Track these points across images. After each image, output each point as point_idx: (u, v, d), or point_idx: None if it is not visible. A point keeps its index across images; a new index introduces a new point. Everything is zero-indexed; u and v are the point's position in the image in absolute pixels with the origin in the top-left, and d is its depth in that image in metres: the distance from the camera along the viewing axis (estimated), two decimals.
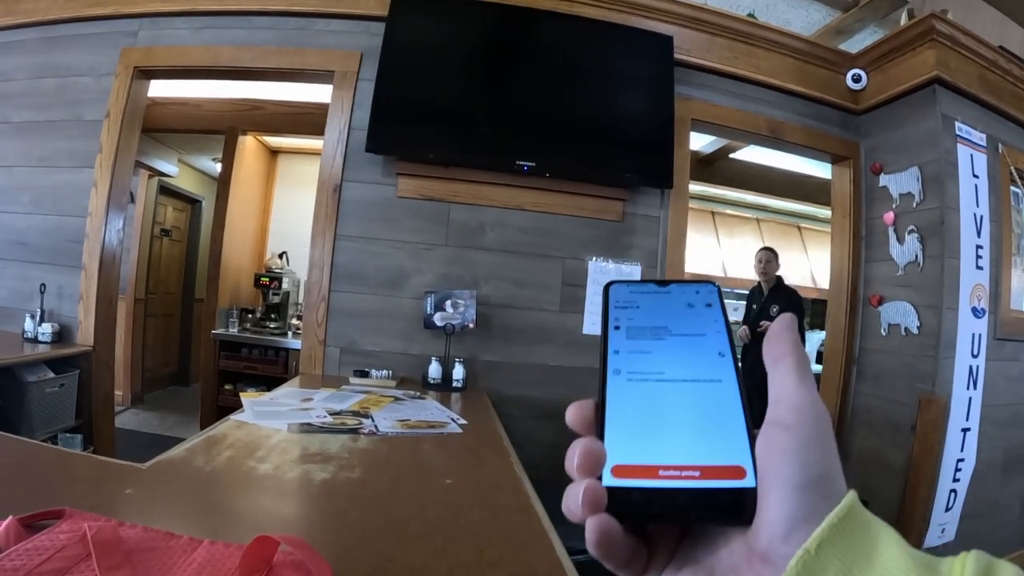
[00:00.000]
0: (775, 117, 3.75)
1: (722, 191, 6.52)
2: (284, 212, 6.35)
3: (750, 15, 3.72)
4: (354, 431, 1.90)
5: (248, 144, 5.71)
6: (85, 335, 3.29)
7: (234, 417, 1.94)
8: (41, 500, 1.00)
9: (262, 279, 5.45)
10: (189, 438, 1.66)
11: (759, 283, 5.27)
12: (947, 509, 3.39)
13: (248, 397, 2.23)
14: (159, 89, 4.83)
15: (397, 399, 2.50)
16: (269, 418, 1.95)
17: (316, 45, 3.33)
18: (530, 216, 3.38)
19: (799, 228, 7.40)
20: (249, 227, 5.99)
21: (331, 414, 2.08)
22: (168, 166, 6.65)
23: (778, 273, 5.21)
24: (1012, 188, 3.76)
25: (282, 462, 1.53)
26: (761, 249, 5.30)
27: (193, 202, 7.81)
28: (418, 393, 2.71)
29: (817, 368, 6.36)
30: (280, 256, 5.78)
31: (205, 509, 1.25)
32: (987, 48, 3.52)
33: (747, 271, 6.58)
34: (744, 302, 6.67)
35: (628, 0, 3.45)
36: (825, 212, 6.88)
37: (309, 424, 1.92)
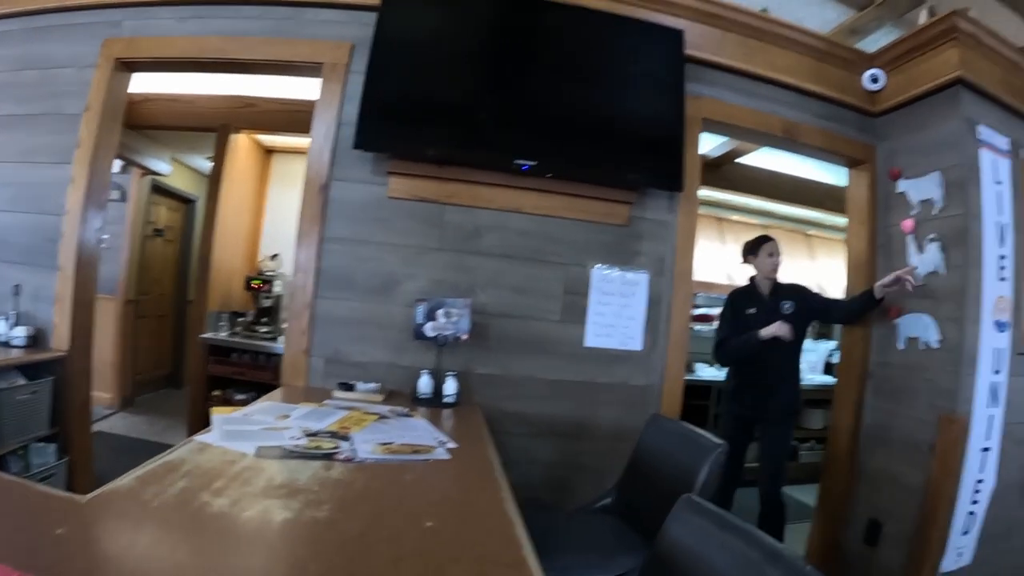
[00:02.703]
0: (790, 118, 3.59)
1: (728, 196, 6.36)
2: (278, 213, 6.15)
3: (763, 10, 3.55)
4: (329, 456, 1.72)
5: (241, 142, 5.55)
6: (60, 339, 3.13)
7: (198, 438, 1.77)
8: None
9: (253, 282, 5.30)
10: (143, 464, 1.49)
11: (751, 281, 3.94)
12: (964, 532, 3.25)
13: (219, 413, 2.06)
14: (152, 85, 4.70)
15: (382, 417, 2.32)
16: (237, 439, 1.78)
17: (305, 36, 3.17)
18: (530, 219, 3.22)
19: (806, 235, 7.24)
20: (241, 228, 5.82)
21: (307, 435, 1.91)
22: (161, 164, 6.51)
23: None
24: None
25: (241, 496, 1.36)
26: (772, 240, 3.89)
27: (187, 201, 7.66)
28: (406, 410, 2.54)
29: (826, 379, 6.25)
30: (273, 258, 5.62)
31: (139, 558, 1.08)
32: (1010, 50, 3.37)
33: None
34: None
35: None
36: (832, 219, 6.76)
37: (280, 447, 1.75)
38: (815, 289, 3.89)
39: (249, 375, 4.97)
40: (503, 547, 1.28)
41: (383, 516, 1.40)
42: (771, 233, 6.63)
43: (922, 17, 3.52)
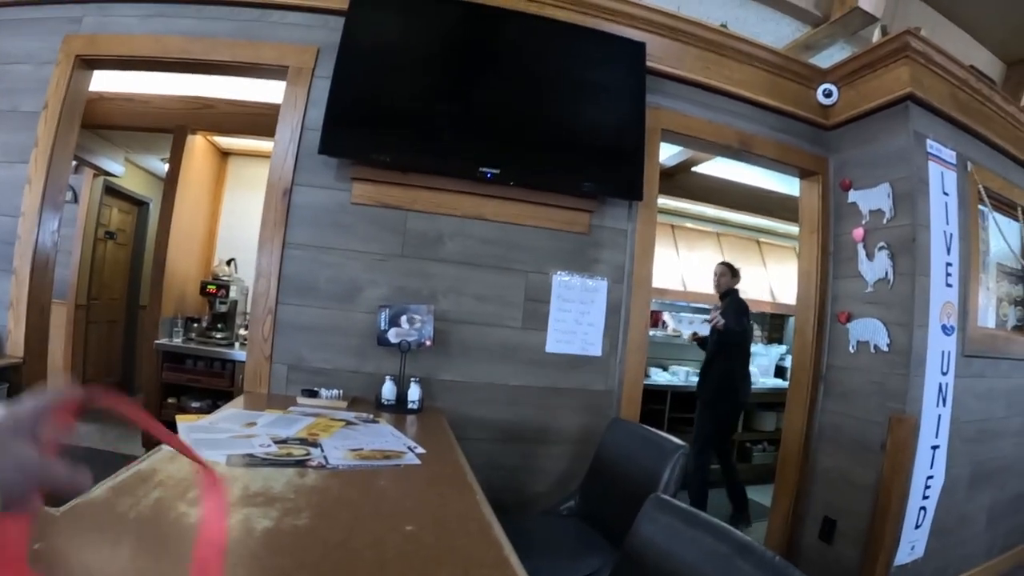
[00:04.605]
0: (745, 130, 3.67)
1: (683, 204, 6.47)
2: (233, 217, 6.08)
3: (723, 25, 3.63)
4: (301, 463, 1.72)
5: (198, 144, 5.47)
6: (15, 346, 3.02)
7: (167, 447, 1.74)
8: None
9: (209, 287, 5.21)
10: (114, 474, 1.45)
11: None
12: (916, 526, 3.36)
13: (184, 421, 2.03)
14: (106, 83, 4.59)
15: (349, 423, 2.31)
16: (207, 447, 1.76)
17: (270, 38, 3.13)
18: (492, 227, 3.22)
19: (758, 243, 7.38)
20: (196, 232, 5.73)
21: (276, 442, 1.90)
22: (114, 165, 6.36)
23: (735, 287, 5.22)
24: (979, 206, 3.74)
25: None
26: (718, 264, 5.40)
27: (140, 204, 7.50)
28: (371, 416, 2.52)
29: (776, 382, 6.38)
30: (228, 263, 5.53)
31: (123, 572, 1.07)
32: (958, 67, 3.49)
33: (706, 286, 6.53)
34: (705, 316, 6.68)
35: (600, 4, 3.32)
36: (784, 227, 6.91)
37: (251, 455, 1.73)
38: (741, 309, 5.04)
39: (205, 382, 4.90)
40: (485, 549, 1.29)
41: (363, 522, 1.39)
42: (724, 241, 6.88)
43: (875, 35, 3.65)
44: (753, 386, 5.06)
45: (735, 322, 4.88)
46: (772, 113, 3.75)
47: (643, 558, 1.46)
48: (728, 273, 5.22)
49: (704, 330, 5.62)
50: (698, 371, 6.34)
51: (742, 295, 5.23)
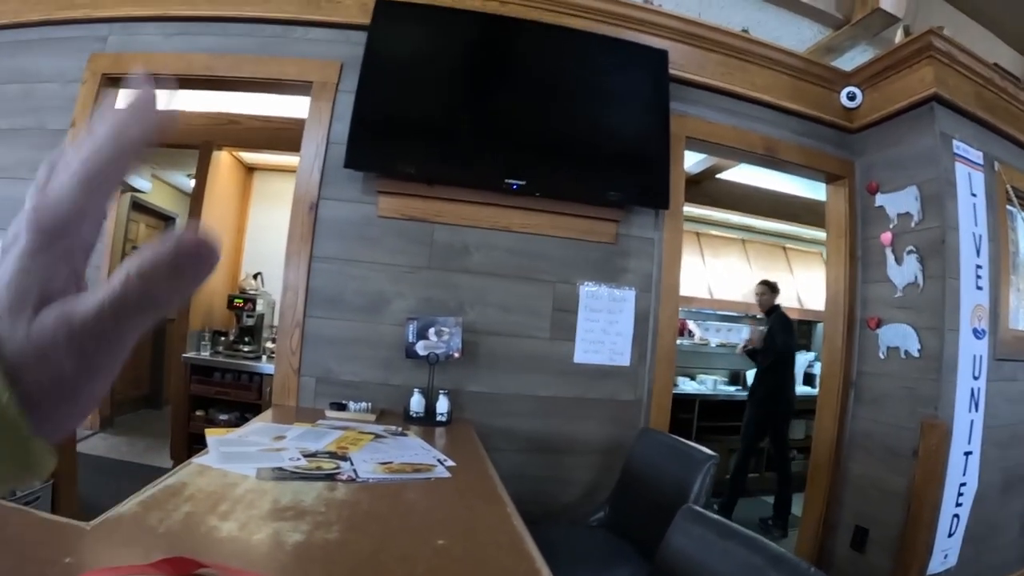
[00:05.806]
0: (770, 135, 3.65)
1: (708, 212, 6.43)
2: (259, 231, 6.13)
3: (744, 30, 3.62)
4: (331, 477, 1.72)
5: (223, 160, 5.52)
6: None
7: (197, 460, 1.75)
8: None
9: (236, 300, 5.25)
10: (144, 488, 1.47)
11: None
12: (950, 535, 3.30)
13: (214, 435, 2.05)
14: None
15: (377, 436, 2.32)
16: (236, 461, 1.77)
17: (294, 54, 3.16)
18: (518, 237, 3.23)
19: (784, 249, 7.31)
20: (223, 246, 5.74)
21: (305, 456, 1.91)
22: (141, 181, 6.45)
23: (776, 303, 5.33)
24: (1008, 207, 3.68)
25: (248, 519, 1.35)
26: (757, 283, 5.52)
27: (167, 219, 7.58)
28: (400, 428, 2.53)
29: (805, 390, 6.30)
30: (255, 277, 5.58)
31: None
32: (983, 65, 3.45)
33: (732, 293, 6.52)
34: (731, 324, 6.99)
35: (620, 13, 3.33)
36: (811, 233, 6.84)
37: (281, 469, 1.74)
38: (782, 326, 5.16)
39: (233, 395, 4.93)
40: (516, 562, 1.29)
41: (393, 535, 1.39)
42: (750, 248, 6.89)
43: (898, 36, 3.61)
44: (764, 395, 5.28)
45: (781, 342, 5.03)
46: (796, 118, 3.72)
47: (675, 570, 1.45)
48: (768, 291, 5.35)
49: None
50: (726, 380, 6.80)
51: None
